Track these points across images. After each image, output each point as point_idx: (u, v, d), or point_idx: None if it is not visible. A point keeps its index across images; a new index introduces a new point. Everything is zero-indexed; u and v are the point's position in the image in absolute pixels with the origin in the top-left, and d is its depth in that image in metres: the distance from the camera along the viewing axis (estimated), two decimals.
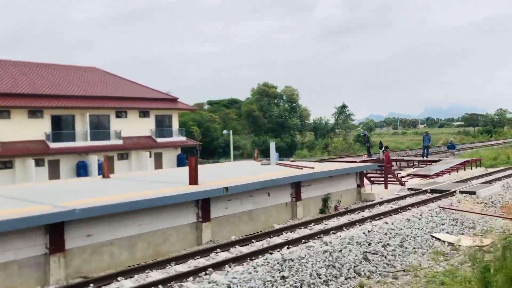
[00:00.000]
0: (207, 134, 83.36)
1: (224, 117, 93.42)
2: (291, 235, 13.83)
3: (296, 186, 16.80)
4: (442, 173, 25.30)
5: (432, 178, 24.15)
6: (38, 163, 35.49)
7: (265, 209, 15.74)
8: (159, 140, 42.79)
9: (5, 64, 39.56)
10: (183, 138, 45.16)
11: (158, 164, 43.08)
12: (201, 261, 11.46)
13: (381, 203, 17.71)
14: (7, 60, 40.80)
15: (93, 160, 37.46)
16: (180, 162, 43.87)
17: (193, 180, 14.02)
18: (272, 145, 21.07)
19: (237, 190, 13.90)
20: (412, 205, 16.99)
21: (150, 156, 42.39)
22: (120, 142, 40.05)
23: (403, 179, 23.73)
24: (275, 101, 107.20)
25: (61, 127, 37.48)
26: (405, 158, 32.30)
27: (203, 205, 13.48)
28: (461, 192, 19.49)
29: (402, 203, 17.95)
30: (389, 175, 21.51)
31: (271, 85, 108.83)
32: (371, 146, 30.54)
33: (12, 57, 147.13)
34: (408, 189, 21.11)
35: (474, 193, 19.10)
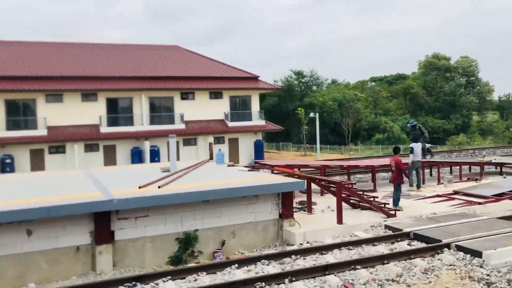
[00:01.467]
0: (348, 115, 74.69)
1: (373, 95, 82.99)
2: None
3: (100, 219, 10.11)
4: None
5: (481, 203, 13.88)
6: (92, 148, 34.20)
7: (16, 258, 9.59)
8: (232, 124, 37.82)
9: (67, 47, 39.37)
10: (262, 122, 39.19)
11: (234, 152, 38.29)
12: None
13: (229, 263, 9.53)
14: (67, 43, 40.63)
15: (146, 146, 34.67)
16: (258, 150, 38.31)
17: None
18: (172, 142, 14.14)
19: None
20: (294, 274, 8.64)
21: (223, 142, 37.90)
22: (182, 126, 36.41)
23: (437, 200, 14.18)
24: (447, 75, 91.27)
25: (118, 111, 35.51)
26: (495, 160, 20.75)
27: None
28: (459, 247, 9.87)
29: (302, 263, 9.53)
30: (353, 197, 12.50)
31: (442, 56, 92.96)
32: (427, 139, 20.24)
33: (218, 45, 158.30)
34: (386, 226, 11.92)
35: (479, 254, 9.38)
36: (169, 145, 14.17)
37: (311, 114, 41.09)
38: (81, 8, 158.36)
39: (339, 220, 12.01)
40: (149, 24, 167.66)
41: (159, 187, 11.01)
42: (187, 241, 10.94)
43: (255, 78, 40.10)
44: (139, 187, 11.06)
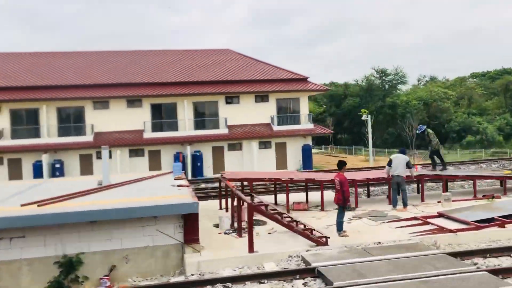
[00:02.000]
0: (435, 116, 68.72)
1: (467, 93, 75.51)
2: None
3: None
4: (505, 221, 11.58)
5: (452, 231, 11.17)
6: (137, 153, 34.98)
7: None
8: (277, 128, 36.43)
9: (115, 55, 40.65)
10: (311, 126, 37.16)
11: (281, 157, 36.90)
12: None
13: None
14: (115, 51, 41.82)
15: (188, 151, 34.61)
16: (306, 155, 36.43)
17: None
18: (105, 154, 13.21)
19: None
20: None
21: (269, 146, 36.69)
22: (226, 131, 35.81)
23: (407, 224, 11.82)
24: None
25: (162, 116, 35.91)
26: None
27: None
28: None
29: None
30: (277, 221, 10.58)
31: None
32: (436, 148, 17.08)
33: (323, 45, 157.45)
34: (302, 258, 9.94)
35: None
36: (102, 157, 13.39)
37: (364, 116, 37.98)
38: (191, 17, 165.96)
39: (250, 248, 10.30)
40: (254, 28, 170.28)
41: (38, 205, 10.26)
42: (70, 265, 10.06)
43: (304, 79, 38.17)
44: (21, 205, 10.41)
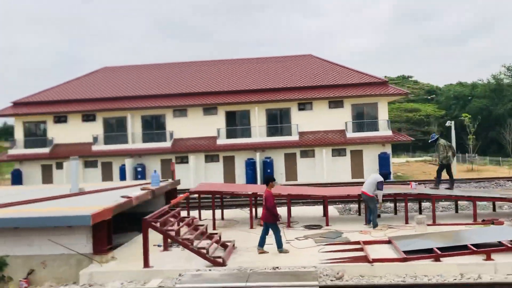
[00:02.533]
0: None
1: None
2: None
3: None
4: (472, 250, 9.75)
5: (369, 262, 9.77)
6: (212, 158, 36.49)
7: None
8: (351, 135, 34.94)
9: (193, 65, 42.42)
10: (389, 133, 34.75)
11: (357, 166, 35.36)
12: None
13: None
14: (193, 62, 43.49)
15: (258, 158, 34.93)
16: (383, 163, 34.29)
17: None
18: (74, 164, 13.87)
19: None
20: None
21: (344, 154, 35.42)
22: (296, 138, 35.45)
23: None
24: None
25: (235, 123, 36.84)
26: None
27: None
28: None
29: None
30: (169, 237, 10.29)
31: None
32: (444, 162, 14.67)
33: (474, 41, 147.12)
34: (179, 278, 9.59)
35: None
36: (71, 167, 14.40)
37: (448, 123, 34.20)
38: (330, 21, 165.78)
39: (145, 263, 10.33)
40: (396, 26, 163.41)
41: None
42: None
43: (383, 83, 35.91)
44: None
